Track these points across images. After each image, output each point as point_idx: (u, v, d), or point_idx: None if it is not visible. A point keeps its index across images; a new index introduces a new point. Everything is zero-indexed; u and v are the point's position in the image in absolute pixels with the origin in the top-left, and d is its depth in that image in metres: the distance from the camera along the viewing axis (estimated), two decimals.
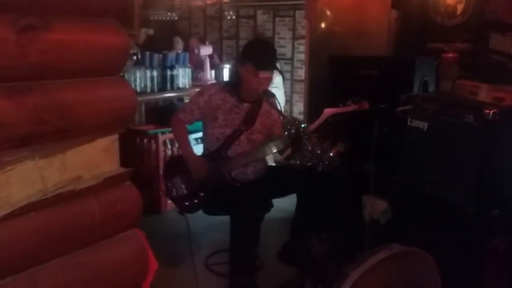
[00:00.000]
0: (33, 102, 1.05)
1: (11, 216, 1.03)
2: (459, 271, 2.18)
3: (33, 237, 1.08)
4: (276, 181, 2.71)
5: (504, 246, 2.27)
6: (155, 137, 4.04)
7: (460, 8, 3.27)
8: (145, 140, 4.09)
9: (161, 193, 3.71)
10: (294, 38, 5.63)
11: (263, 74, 2.52)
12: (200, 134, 3.10)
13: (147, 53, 4.57)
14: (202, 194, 2.61)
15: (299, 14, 5.44)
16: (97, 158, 1.24)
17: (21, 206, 1.05)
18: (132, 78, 4.25)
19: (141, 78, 4.36)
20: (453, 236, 2.29)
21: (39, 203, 1.09)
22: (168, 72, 4.60)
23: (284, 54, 5.68)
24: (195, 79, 5.19)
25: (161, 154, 4.04)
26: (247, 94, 2.66)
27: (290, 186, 2.67)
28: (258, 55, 2.57)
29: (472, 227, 2.25)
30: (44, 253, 1.12)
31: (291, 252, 2.73)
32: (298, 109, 5.64)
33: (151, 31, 6.10)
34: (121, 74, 1.36)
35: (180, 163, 2.69)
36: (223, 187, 2.58)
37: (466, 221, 2.26)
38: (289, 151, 2.55)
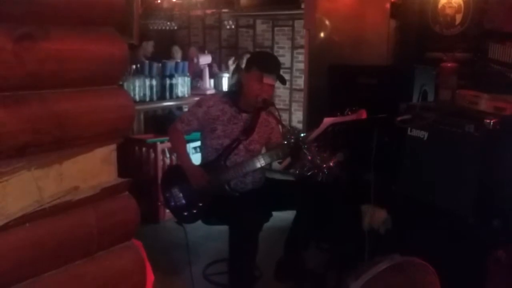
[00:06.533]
0: (30, 111, 1.04)
1: (6, 227, 1.02)
2: (461, 282, 2.16)
3: (29, 249, 1.06)
4: (275, 191, 2.69)
5: (506, 256, 2.25)
6: (153, 146, 4.03)
7: (458, 17, 3.28)
8: (144, 149, 4.08)
9: (159, 203, 3.69)
10: (293, 47, 5.63)
11: (267, 79, 2.52)
12: (199, 143, 3.09)
13: (147, 62, 4.58)
14: (200, 204, 2.59)
15: (298, 24, 5.44)
16: (95, 168, 1.22)
17: (16, 218, 1.03)
18: (131, 87, 4.26)
19: (140, 87, 4.37)
20: (454, 246, 2.27)
21: (35, 214, 1.07)
22: (167, 81, 4.61)
23: (283, 63, 5.68)
24: (194, 88, 5.20)
25: (160, 163, 4.02)
26: (246, 104, 2.66)
27: (289, 199, 2.64)
28: (265, 60, 2.64)
29: (473, 237, 2.24)
30: (40, 265, 1.10)
31: (287, 269, 2.70)
32: (297, 118, 5.63)
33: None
34: (120, 83, 1.35)
35: (178, 173, 2.67)
36: (221, 197, 2.56)
37: (467, 231, 2.24)
38: (288, 160, 2.54)
